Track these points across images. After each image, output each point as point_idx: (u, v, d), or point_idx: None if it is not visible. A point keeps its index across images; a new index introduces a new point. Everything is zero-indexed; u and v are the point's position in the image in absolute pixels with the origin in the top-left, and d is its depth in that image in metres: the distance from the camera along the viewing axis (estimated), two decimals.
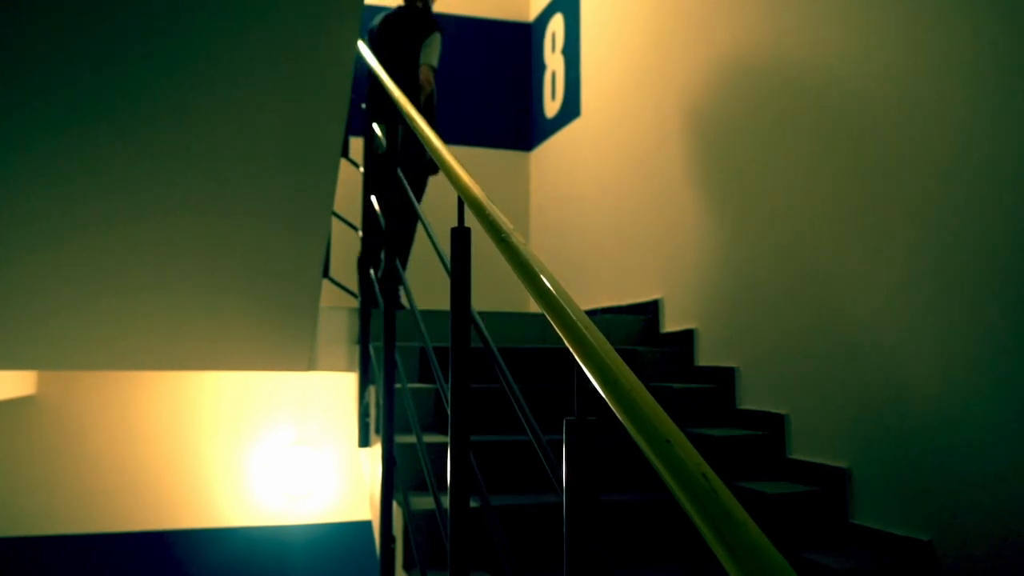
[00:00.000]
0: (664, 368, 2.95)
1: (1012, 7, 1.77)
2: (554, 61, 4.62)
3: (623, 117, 3.67)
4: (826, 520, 2.18)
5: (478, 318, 1.43)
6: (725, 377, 2.71)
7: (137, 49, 1.63)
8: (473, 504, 1.95)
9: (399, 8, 3.67)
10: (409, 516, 1.86)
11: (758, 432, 2.45)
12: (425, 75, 3.52)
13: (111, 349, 2.79)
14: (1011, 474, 1.73)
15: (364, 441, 2.78)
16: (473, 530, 1.91)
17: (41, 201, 2.02)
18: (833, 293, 2.28)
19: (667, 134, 3.25)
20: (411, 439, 2.25)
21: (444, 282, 4.76)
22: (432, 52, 3.55)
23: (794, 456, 2.39)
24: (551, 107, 4.64)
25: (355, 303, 4.87)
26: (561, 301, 0.96)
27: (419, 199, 3.70)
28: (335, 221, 4.57)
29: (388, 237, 2.27)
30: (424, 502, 2.01)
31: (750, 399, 2.62)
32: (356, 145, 4.70)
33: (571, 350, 0.90)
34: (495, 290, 4.81)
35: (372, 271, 3.01)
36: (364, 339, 2.80)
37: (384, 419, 2.10)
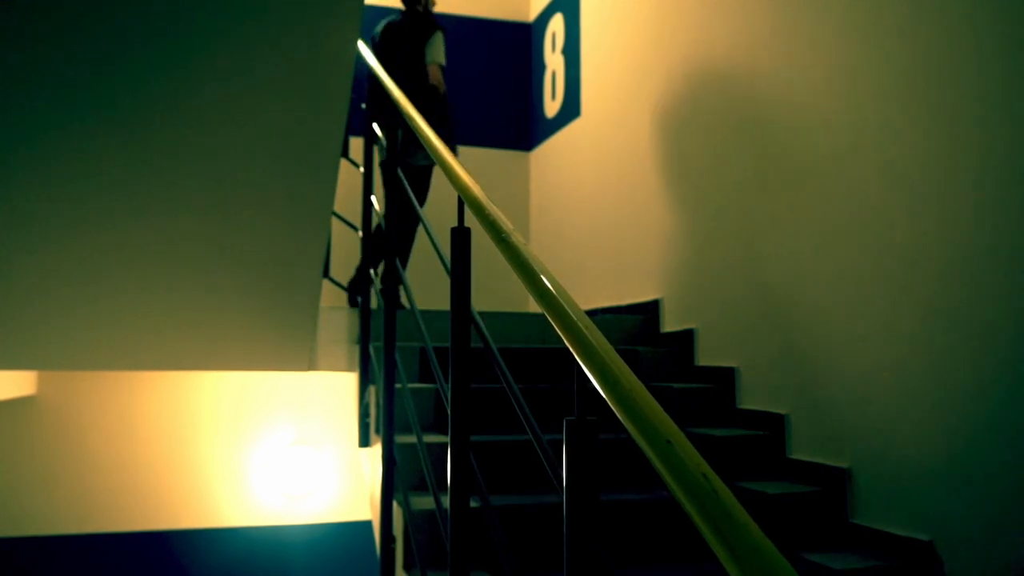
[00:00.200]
0: (664, 368, 2.95)
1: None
2: (554, 61, 4.62)
3: (623, 117, 3.67)
4: (826, 520, 2.18)
5: (478, 318, 1.43)
6: (725, 377, 2.71)
7: (137, 49, 1.63)
8: (473, 504, 1.95)
9: (399, 15, 3.69)
10: (409, 516, 1.86)
11: (758, 432, 2.45)
12: (435, 75, 3.53)
13: (111, 349, 2.79)
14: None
15: (364, 441, 2.78)
16: (473, 530, 1.91)
17: (41, 201, 2.02)
18: (832, 292, 2.28)
19: (667, 134, 3.25)
20: (411, 439, 2.25)
21: (444, 282, 4.75)
22: (437, 50, 3.56)
23: (794, 456, 2.39)
24: (551, 107, 4.64)
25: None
26: (561, 301, 0.96)
27: (423, 199, 3.71)
28: (335, 221, 4.57)
29: (388, 237, 2.28)
30: (424, 502, 2.01)
31: (750, 399, 2.62)
32: (356, 145, 4.70)
33: (571, 350, 0.90)
34: (495, 290, 4.81)
35: (372, 271, 3.01)
36: (364, 339, 2.80)
37: (384, 419, 2.10)
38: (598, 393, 2.53)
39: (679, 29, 3.19)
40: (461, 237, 1.40)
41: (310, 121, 1.89)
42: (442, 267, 4.02)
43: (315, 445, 5.04)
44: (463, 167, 1.49)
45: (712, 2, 2.96)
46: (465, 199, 1.38)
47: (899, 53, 2.09)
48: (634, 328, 3.22)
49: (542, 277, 1.04)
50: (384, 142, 2.67)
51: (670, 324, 3.16)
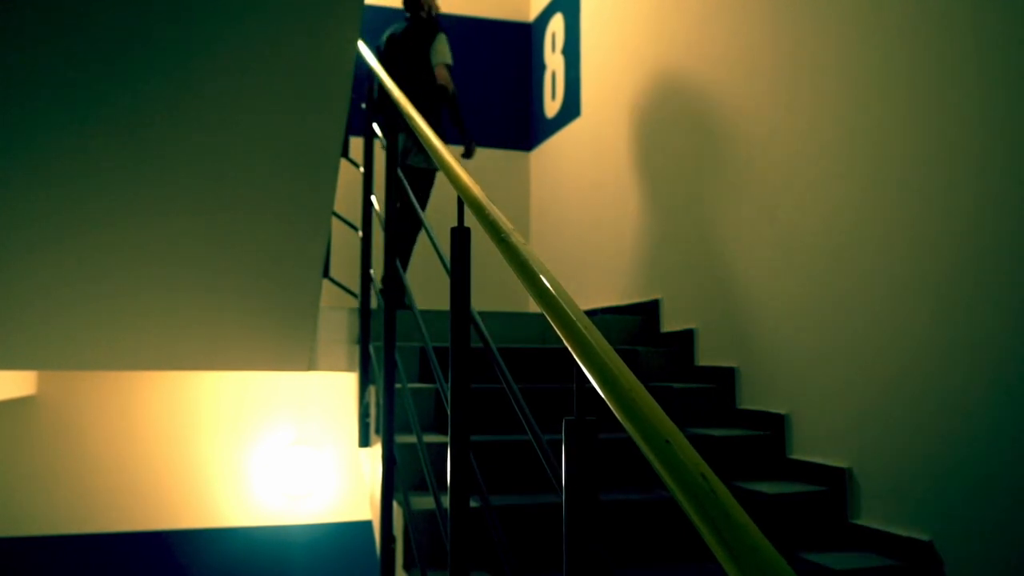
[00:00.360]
0: (664, 368, 2.95)
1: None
2: (554, 61, 4.62)
3: (623, 117, 3.67)
4: (826, 520, 2.18)
5: (478, 318, 1.43)
6: (725, 377, 2.71)
7: (137, 49, 1.63)
8: (473, 504, 1.95)
9: (403, 24, 3.72)
10: (409, 516, 1.86)
11: (758, 432, 2.45)
12: (443, 75, 3.53)
13: (111, 349, 2.79)
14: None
15: (364, 441, 2.78)
16: (473, 530, 1.91)
17: (41, 201, 2.02)
18: (832, 293, 2.28)
19: (667, 134, 3.25)
20: (411, 439, 2.25)
21: (444, 282, 4.76)
22: (442, 51, 3.57)
23: (794, 456, 2.39)
24: (551, 107, 4.64)
25: (355, 303, 4.87)
26: (561, 301, 0.96)
27: (425, 201, 3.72)
28: (335, 221, 4.57)
29: (389, 237, 2.28)
30: (424, 502, 2.01)
31: (750, 399, 2.62)
32: (356, 145, 4.70)
33: (571, 350, 0.90)
34: (495, 290, 4.81)
35: (372, 271, 3.01)
36: (364, 339, 2.80)
37: (384, 419, 2.10)
38: (597, 393, 2.53)
39: (679, 29, 3.19)
40: (461, 237, 1.40)
41: (310, 121, 1.89)
42: (442, 267, 4.02)
43: (315, 445, 5.04)
44: (463, 167, 1.49)
45: (712, 2, 2.96)
46: (465, 199, 1.38)
47: (899, 53, 2.09)
48: (634, 328, 3.22)
49: (542, 277, 1.04)
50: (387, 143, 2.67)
51: (670, 324, 3.16)
